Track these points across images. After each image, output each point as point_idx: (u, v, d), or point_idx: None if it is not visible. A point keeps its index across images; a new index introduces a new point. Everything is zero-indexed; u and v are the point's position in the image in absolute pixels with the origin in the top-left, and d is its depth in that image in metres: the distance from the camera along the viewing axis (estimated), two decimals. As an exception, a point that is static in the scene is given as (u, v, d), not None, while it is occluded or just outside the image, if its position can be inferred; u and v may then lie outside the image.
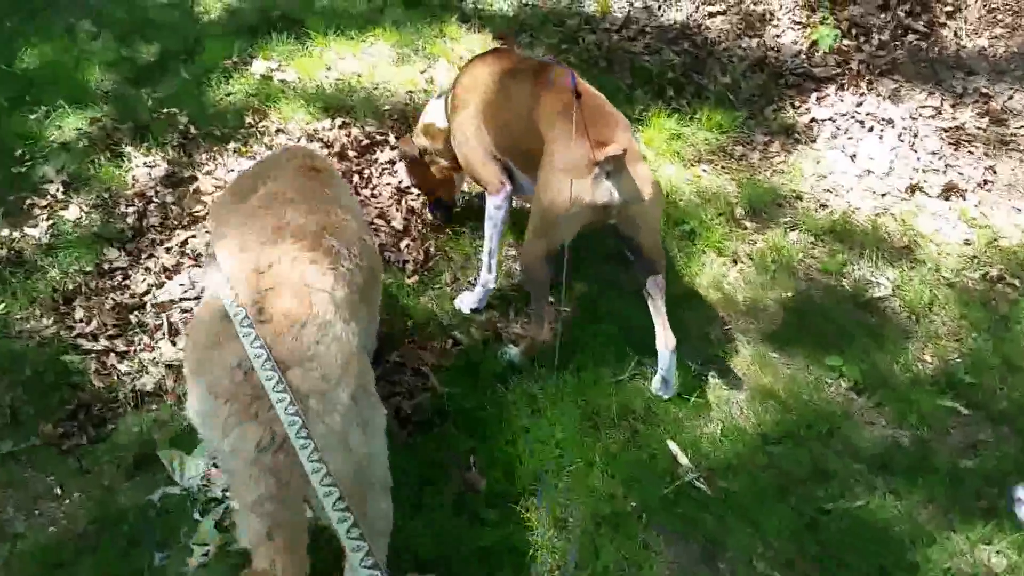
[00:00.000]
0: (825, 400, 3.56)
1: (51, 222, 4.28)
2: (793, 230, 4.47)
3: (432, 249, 4.30)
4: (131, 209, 4.41)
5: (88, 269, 4.09)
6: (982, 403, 3.48)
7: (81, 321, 3.84)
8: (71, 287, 4.01)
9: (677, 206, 4.61)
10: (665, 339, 3.42)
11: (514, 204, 3.96)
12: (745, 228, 4.48)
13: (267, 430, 2.04)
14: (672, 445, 3.31)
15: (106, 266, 4.12)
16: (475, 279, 4.02)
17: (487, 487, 3.19)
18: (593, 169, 3.17)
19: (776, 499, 3.15)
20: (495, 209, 3.78)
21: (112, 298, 3.96)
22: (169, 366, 3.64)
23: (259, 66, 5.64)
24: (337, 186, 3.06)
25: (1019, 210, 4.53)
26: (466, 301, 3.98)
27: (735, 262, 4.27)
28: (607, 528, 3.05)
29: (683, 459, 3.28)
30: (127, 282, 4.06)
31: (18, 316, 3.79)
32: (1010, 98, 5.24)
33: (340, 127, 5.10)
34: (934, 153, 4.93)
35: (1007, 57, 5.51)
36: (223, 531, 3.03)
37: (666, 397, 3.50)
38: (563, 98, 3.36)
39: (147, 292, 3.99)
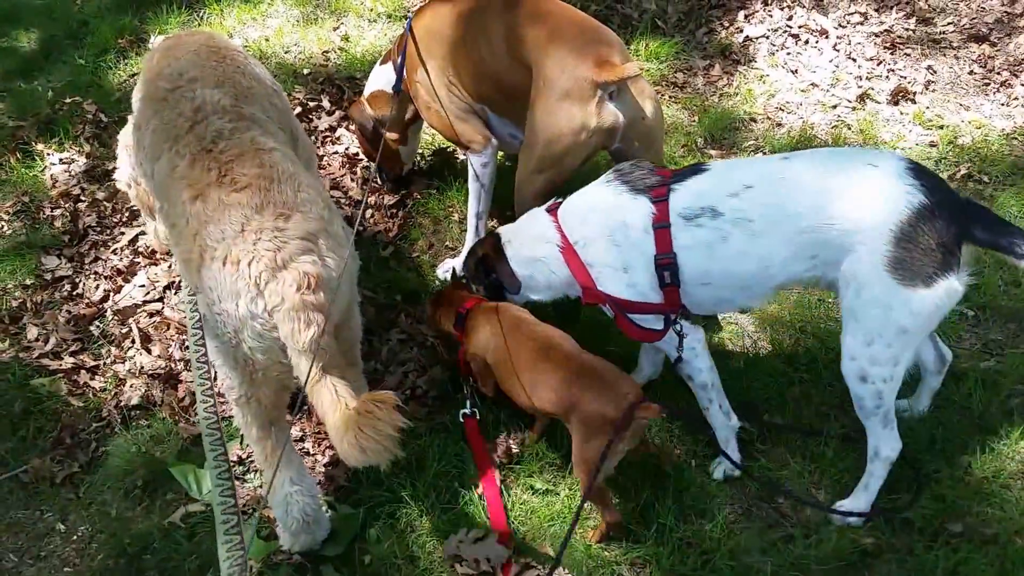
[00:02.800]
0: (833, 320, 3.53)
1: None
2: (757, 152, 4.42)
3: (400, 215, 4.05)
4: (58, 212, 4.00)
5: (28, 282, 3.69)
6: (987, 304, 3.52)
7: (38, 340, 3.49)
8: (14, 304, 3.62)
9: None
10: None
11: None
12: (710, 156, 4.40)
13: (302, 274, 2.19)
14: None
15: (48, 276, 3.73)
16: (455, 244, 3.80)
17: (525, 456, 3.04)
18: (597, 91, 2.96)
19: (821, 425, 3.11)
20: (481, 167, 3.53)
21: (66, 310, 3.59)
22: (153, 376, 3.31)
23: (158, 40, 5.13)
24: (239, 58, 2.98)
25: (966, 107, 4.60)
26: (455, 263, 3.72)
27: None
28: (660, 478, 2.95)
29: (713, 401, 3.19)
30: (78, 291, 3.68)
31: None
32: (931, -4, 5.32)
33: (264, 98, 4.70)
34: (873, 59, 4.95)
35: (918, -44, 5.58)
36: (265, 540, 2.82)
37: None
38: (548, 21, 3.13)
39: (104, 299, 3.62)
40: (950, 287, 2.40)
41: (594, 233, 2.67)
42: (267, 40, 5.23)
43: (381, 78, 3.86)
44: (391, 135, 3.89)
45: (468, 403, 3.08)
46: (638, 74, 2.98)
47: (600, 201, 2.70)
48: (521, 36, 3.15)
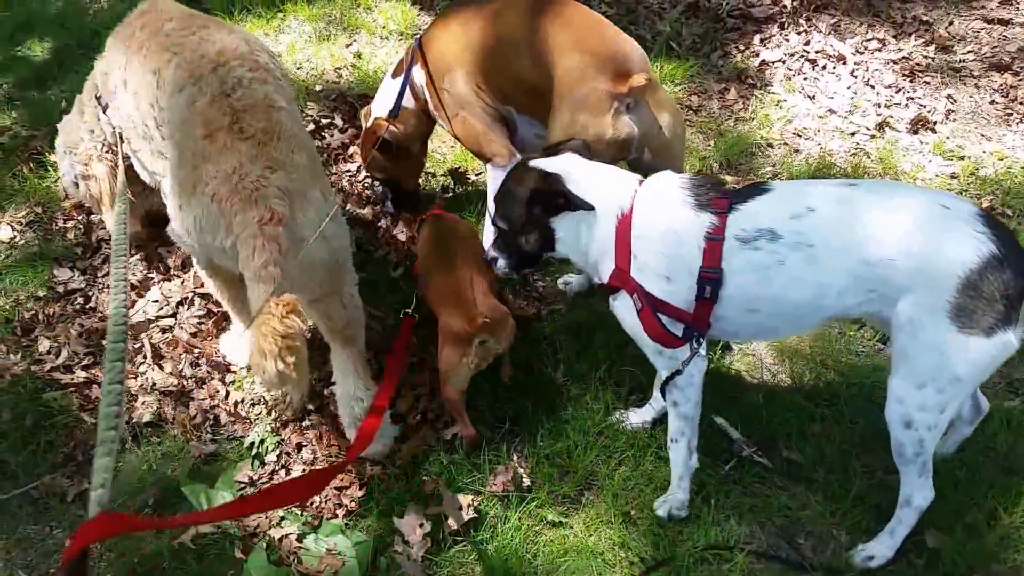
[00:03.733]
0: (854, 353, 3.48)
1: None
2: (775, 178, 4.38)
3: (410, 235, 4.01)
4: (71, 223, 3.95)
5: (41, 294, 3.65)
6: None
7: (49, 353, 3.45)
8: (27, 316, 3.58)
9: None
10: None
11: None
12: (726, 182, 4.36)
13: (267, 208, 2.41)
14: (719, 420, 3.16)
15: (60, 288, 3.69)
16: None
17: (538, 485, 2.99)
18: (613, 103, 2.99)
19: (841, 464, 3.05)
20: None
21: (79, 323, 3.54)
22: (165, 393, 3.26)
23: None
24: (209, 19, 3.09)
25: (988, 138, 4.56)
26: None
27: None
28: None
29: (734, 434, 3.14)
30: (90, 304, 3.64)
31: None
32: (950, 24, 5.28)
33: (278, 113, 4.67)
34: (891, 87, 4.92)
35: (937, -17, 5.56)
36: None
37: None
38: (571, 29, 3.13)
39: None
40: (1007, 341, 2.32)
41: (650, 232, 2.55)
42: (280, 56, 5.20)
43: (394, 91, 3.79)
44: (413, 150, 3.89)
45: (414, 303, 3.22)
46: (646, 84, 2.96)
47: (669, 203, 2.56)
48: (545, 41, 3.16)
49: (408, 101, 3.75)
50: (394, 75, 3.82)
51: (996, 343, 2.32)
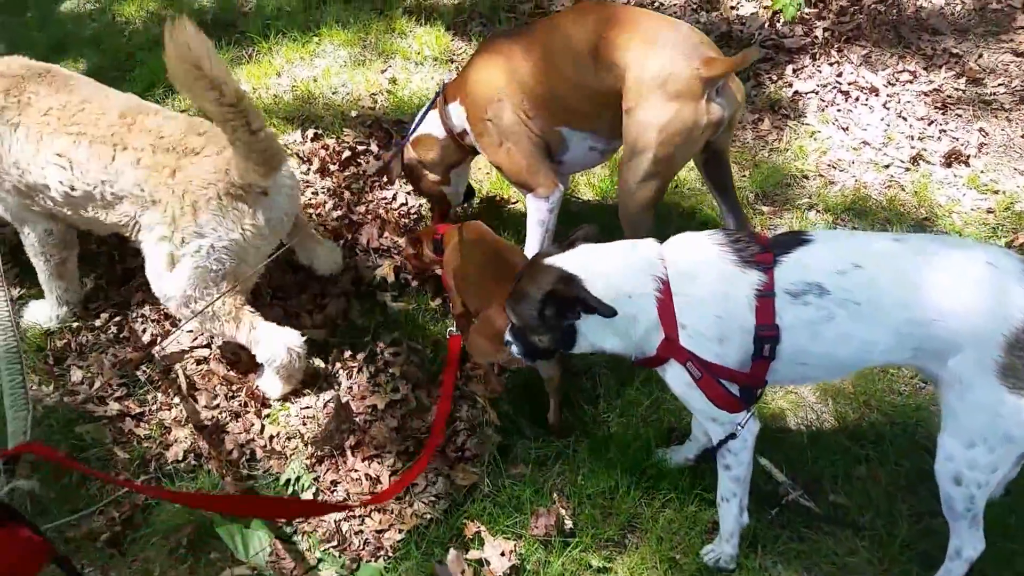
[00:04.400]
0: (897, 392, 3.44)
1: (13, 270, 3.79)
2: (811, 211, 4.36)
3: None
4: (103, 248, 3.93)
5: (74, 324, 3.63)
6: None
7: (82, 383, 3.42)
8: (59, 345, 3.56)
9: (685, 195, 4.44)
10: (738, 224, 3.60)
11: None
12: (763, 213, 4.34)
13: None
14: (764, 462, 3.12)
15: (94, 318, 3.66)
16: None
17: (581, 528, 2.95)
18: (705, 89, 3.05)
19: (887, 508, 3.02)
20: (548, 212, 3.53)
21: (112, 353, 3.53)
22: (200, 428, 3.23)
23: (206, 78, 5.11)
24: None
25: (1021, 172, 4.54)
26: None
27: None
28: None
29: (779, 475, 3.10)
30: (124, 334, 3.62)
31: (9, 385, 3.30)
32: (980, 56, 5.26)
33: (313, 139, 4.69)
34: (924, 119, 4.90)
35: (966, 15, 5.54)
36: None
37: None
38: (638, 27, 3.18)
39: (151, 343, 3.55)
40: None
41: (699, 295, 2.47)
42: (315, 80, 5.21)
43: (429, 121, 3.84)
44: (433, 177, 3.92)
45: (455, 324, 3.41)
46: (744, 62, 3.04)
47: (711, 264, 2.49)
48: (613, 44, 3.18)
49: (435, 130, 3.80)
50: (431, 107, 3.84)
51: None
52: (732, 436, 2.60)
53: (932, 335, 2.34)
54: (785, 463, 3.14)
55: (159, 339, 3.55)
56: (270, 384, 3.36)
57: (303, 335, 3.29)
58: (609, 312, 2.39)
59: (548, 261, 2.55)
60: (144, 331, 3.61)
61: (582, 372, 3.47)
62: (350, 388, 3.38)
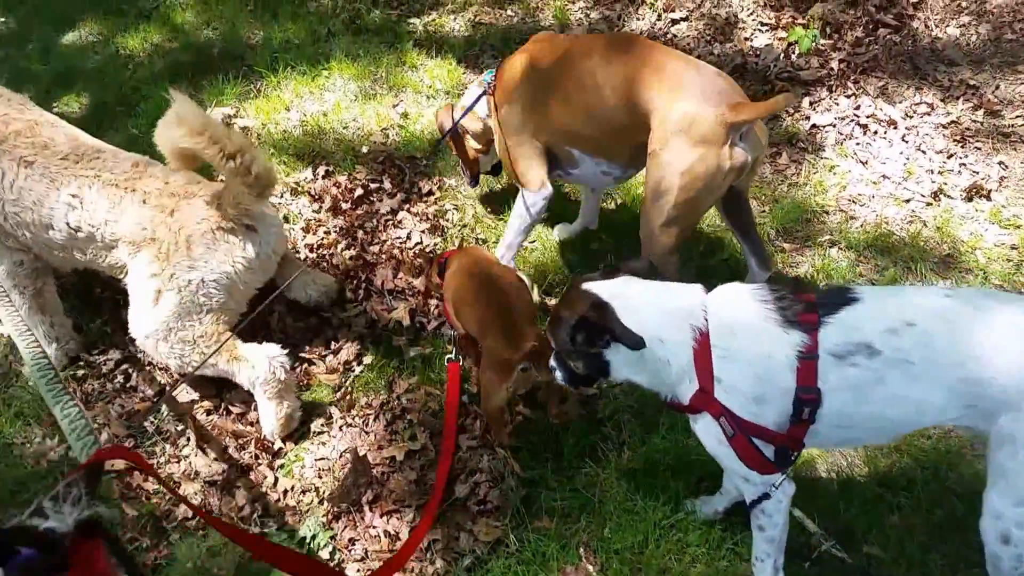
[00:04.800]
0: (926, 436, 3.34)
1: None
2: (832, 247, 4.28)
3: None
4: (107, 293, 3.84)
5: (80, 373, 3.53)
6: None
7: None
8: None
9: (704, 233, 4.36)
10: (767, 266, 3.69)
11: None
12: (784, 250, 4.26)
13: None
14: (796, 512, 3.00)
15: (100, 366, 3.56)
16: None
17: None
18: (729, 134, 3.04)
19: (921, 559, 2.91)
20: (532, 206, 3.67)
21: (119, 403, 3.43)
22: (210, 483, 3.13)
23: (216, 114, 5.10)
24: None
25: (1044, 206, 4.47)
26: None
27: (784, 289, 4.04)
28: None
29: (811, 526, 2.99)
30: (131, 383, 3.52)
31: (15, 438, 3.22)
32: (997, 88, 5.20)
33: (324, 176, 4.63)
34: (943, 152, 4.83)
35: (980, 46, 5.49)
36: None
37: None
38: (665, 71, 3.16)
39: (159, 393, 3.45)
40: None
41: (739, 351, 2.40)
42: (325, 115, 5.16)
43: (481, 102, 3.91)
44: (474, 145, 4.04)
45: (455, 351, 3.41)
46: (775, 108, 3.10)
47: (751, 319, 2.42)
48: (640, 84, 3.18)
49: (481, 109, 3.92)
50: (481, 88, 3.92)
51: None
52: (766, 496, 2.51)
53: (986, 394, 2.26)
54: (817, 512, 3.03)
55: (168, 388, 3.45)
56: (267, 415, 3.30)
57: (315, 383, 3.22)
58: (636, 343, 2.35)
59: (586, 286, 2.52)
60: (152, 380, 3.52)
61: (607, 419, 3.36)
62: (366, 436, 3.29)
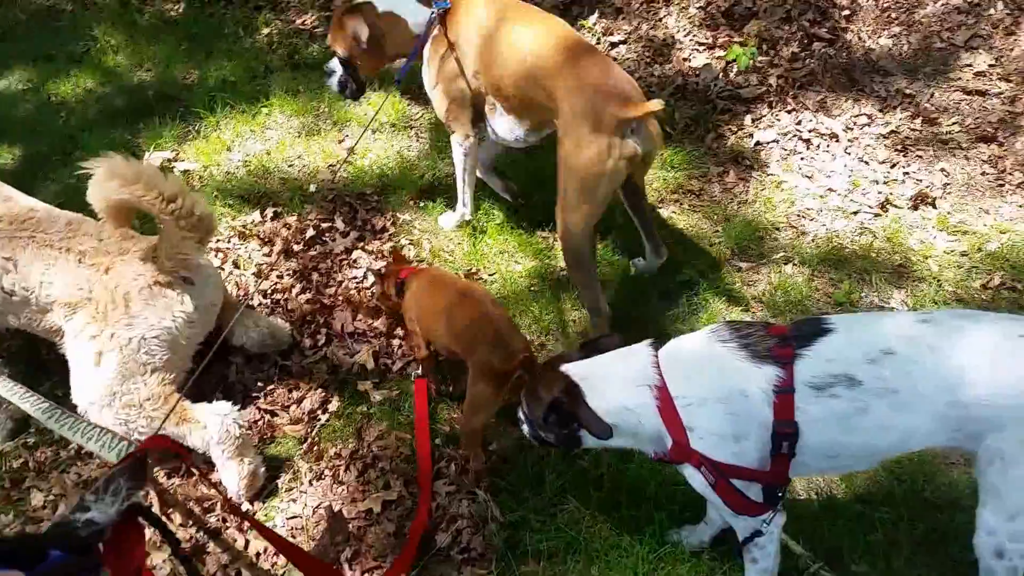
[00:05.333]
0: (901, 448, 3.38)
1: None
2: (787, 264, 4.31)
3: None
4: (53, 355, 3.65)
5: (31, 440, 3.36)
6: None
7: (44, 507, 3.17)
8: (15, 465, 3.30)
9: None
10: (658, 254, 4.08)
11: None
12: (741, 269, 4.28)
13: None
14: (782, 536, 3.00)
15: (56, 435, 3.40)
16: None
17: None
18: (622, 127, 3.34)
19: (908, 571, 2.93)
20: (463, 154, 4.15)
21: (75, 472, 3.26)
22: (186, 560, 2.97)
23: (154, 158, 4.94)
24: None
25: (986, 211, 4.58)
26: (448, 220, 4.47)
27: (745, 308, 4.06)
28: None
29: (797, 548, 2.97)
30: (86, 450, 3.35)
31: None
32: (932, 96, 5.34)
33: (273, 218, 4.51)
34: (886, 162, 4.93)
35: (912, 55, 5.63)
36: None
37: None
38: (577, 64, 3.45)
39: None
40: None
41: (704, 395, 2.40)
42: (268, 154, 5.05)
43: (405, 4, 4.00)
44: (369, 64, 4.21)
45: (420, 367, 3.53)
46: (659, 110, 3.32)
47: (714, 362, 2.43)
48: (554, 71, 3.49)
49: (416, 25, 3.99)
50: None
51: None
52: (758, 533, 2.50)
53: (973, 416, 2.27)
54: (801, 534, 3.02)
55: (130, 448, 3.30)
56: (230, 476, 3.18)
57: (280, 435, 3.11)
58: (603, 435, 2.42)
59: (564, 368, 2.54)
60: (109, 443, 3.35)
61: (583, 453, 3.31)
62: (338, 489, 3.18)
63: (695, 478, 2.47)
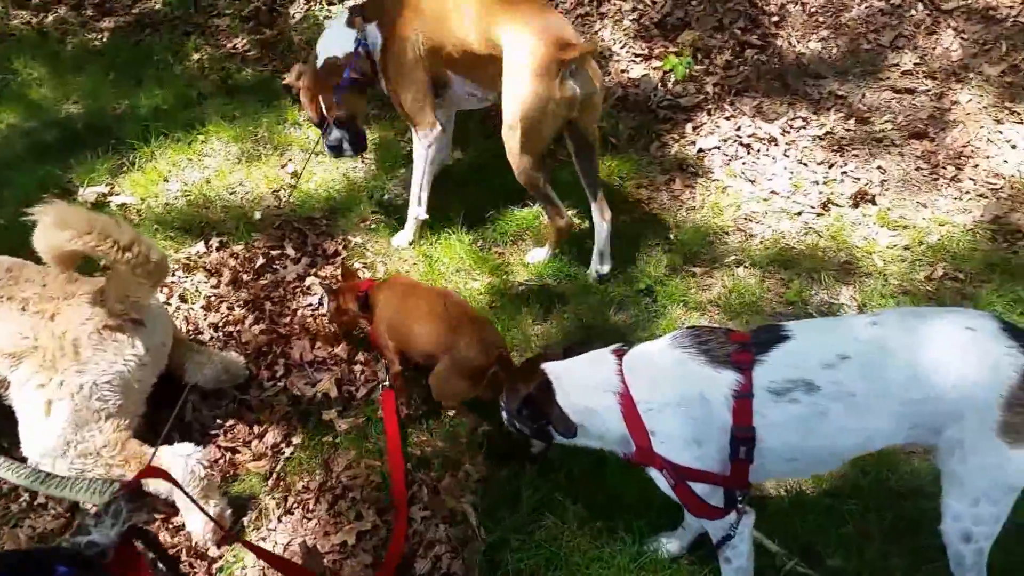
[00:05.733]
0: (863, 442, 3.45)
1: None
2: (739, 266, 4.38)
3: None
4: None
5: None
6: None
7: (-1, 569, 2.96)
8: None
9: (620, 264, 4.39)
10: (601, 210, 4.12)
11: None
12: (695, 274, 4.33)
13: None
14: (755, 534, 3.00)
15: (3, 486, 3.25)
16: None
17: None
18: (559, 69, 3.54)
19: (883, 565, 2.98)
20: (427, 147, 4.19)
21: (29, 525, 3.12)
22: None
23: (88, 193, 4.79)
24: None
25: (924, 205, 4.72)
26: (401, 238, 4.43)
27: (702, 312, 4.11)
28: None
29: (772, 546, 3.01)
30: (39, 500, 3.22)
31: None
32: (863, 96, 5.50)
33: (219, 248, 4.40)
34: (824, 163, 5.05)
35: (842, 57, 5.79)
36: None
37: (606, 271, 4.20)
38: (516, 9, 3.67)
39: (73, 506, 3.16)
40: None
41: (665, 400, 2.45)
42: (208, 182, 4.93)
43: (341, 41, 4.04)
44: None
45: (388, 379, 3.54)
46: (592, 50, 3.65)
47: (675, 367, 2.47)
48: (495, 22, 3.70)
49: (343, 49, 4.03)
50: (349, 24, 4.05)
51: None
52: (729, 536, 2.54)
53: (930, 411, 2.36)
54: (774, 531, 3.06)
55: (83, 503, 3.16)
56: (195, 520, 3.08)
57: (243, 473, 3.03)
58: (568, 434, 2.53)
59: (544, 365, 2.64)
60: (63, 499, 3.21)
61: (556, 467, 3.29)
62: (309, 523, 3.10)
63: (661, 480, 2.52)
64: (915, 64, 5.54)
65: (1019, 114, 5.08)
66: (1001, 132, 5.03)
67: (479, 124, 5.33)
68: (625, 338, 3.88)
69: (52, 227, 2.90)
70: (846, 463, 3.30)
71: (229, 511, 3.15)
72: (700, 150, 5.20)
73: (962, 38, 5.53)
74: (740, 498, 2.53)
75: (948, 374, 2.32)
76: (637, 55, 5.95)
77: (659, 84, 5.66)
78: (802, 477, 3.27)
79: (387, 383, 3.52)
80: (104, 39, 6.57)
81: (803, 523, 3.11)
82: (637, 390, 2.48)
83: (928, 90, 5.36)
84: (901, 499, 3.24)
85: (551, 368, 2.62)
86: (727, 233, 4.62)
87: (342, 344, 3.79)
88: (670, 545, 3.02)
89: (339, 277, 3.97)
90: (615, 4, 6.17)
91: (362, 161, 5.12)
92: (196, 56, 6.28)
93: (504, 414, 2.83)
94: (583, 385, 2.57)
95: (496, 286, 4.19)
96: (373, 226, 4.61)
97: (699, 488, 2.48)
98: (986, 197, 4.69)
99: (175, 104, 5.69)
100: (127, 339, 3.12)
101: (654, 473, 2.54)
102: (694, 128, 5.37)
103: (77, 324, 3.05)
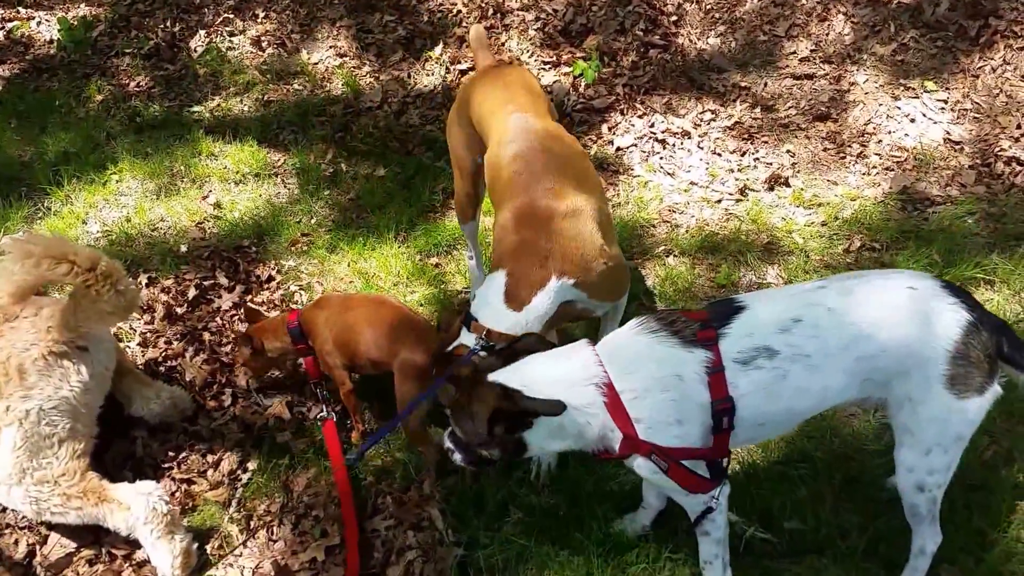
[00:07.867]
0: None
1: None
2: (669, 256, 4.51)
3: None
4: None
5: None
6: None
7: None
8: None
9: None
10: None
11: None
12: (629, 267, 4.43)
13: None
14: (714, 505, 3.14)
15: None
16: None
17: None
18: None
19: (837, 522, 3.11)
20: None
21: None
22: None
23: (5, 242, 4.60)
24: None
25: (835, 182, 4.95)
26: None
27: (641, 302, 4.21)
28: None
29: (730, 516, 3.08)
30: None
31: None
32: (765, 85, 5.73)
33: (148, 284, 4.31)
34: (736, 151, 5.25)
35: (741, 50, 6.03)
36: None
37: None
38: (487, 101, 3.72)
39: (29, 555, 3.07)
40: (995, 391, 2.50)
41: (647, 386, 2.46)
42: (128, 220, 4.83)
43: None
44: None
45: (325, 408, 3.45)
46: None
47: (648, 351, 2.50)
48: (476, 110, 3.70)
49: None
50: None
51: (988, 397, 2.50)
52: (710, 509, 2.61)
53: (878, 367, 2.48)
54: (731, 502, 3.10)
55: (38, 547, 3.06)
56: (162, 557, 3.01)
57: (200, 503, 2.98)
58: (557, 408, 2.35)
59: (491, 377, 2.47)
60: (16, 542, 3.11)
61: (518, 464, 3.32)
62: (275, 546, 3.07)
63: (643, 467, 2.52)
64: (811, 51, 5.81)
65: (914, 89, 5.38)
66: (899, 107, 5.32)
67: (399, 143, 5.38)
68: (573, 334, 3.96)
69: (25, 255, 2.81)
70: (796, 428, 3.47)
71: (195, 545, 3.08)
72: (618, 148, 5.34)
73: (852, 22, 5.83)
74: (725, 465, 2.60)
75: (893, 330, 2.45)
76: (546, 62, 6.08)
77: (571, 89, 5.79)
78: (768, 439, 3.36)
79: (324, 414, 3.41)
80: (0, 88, 6.38)
81: (758, 492, 3.23)
82: (617, 379, 2.46)
83: (826, 74, 5.63)
84: (847, 460, 3.39)
85: (504, 376, 2.48)
86: (653, 225, 4.76)
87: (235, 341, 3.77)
88: (634, 524, 3.10)
89: (246, 319, 3.78)
90: (519, 15, 6.29)
91: (284, 186, 5.10)
92: (100, 97, 6.14)
93: (458, 456, 2.64)
94: (560, 381, 2.45)
95: (435, 295, 4.22)
96: (304, 248, 4.59)
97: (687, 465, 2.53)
98: (892, 170, 4.95)
99: (83, 146, 5.55)
100: (73, 366, 3.06)
101: (637, 462, 2.52)
102: (610, 128, 5.52)
103: (20, 350, 2.99)
